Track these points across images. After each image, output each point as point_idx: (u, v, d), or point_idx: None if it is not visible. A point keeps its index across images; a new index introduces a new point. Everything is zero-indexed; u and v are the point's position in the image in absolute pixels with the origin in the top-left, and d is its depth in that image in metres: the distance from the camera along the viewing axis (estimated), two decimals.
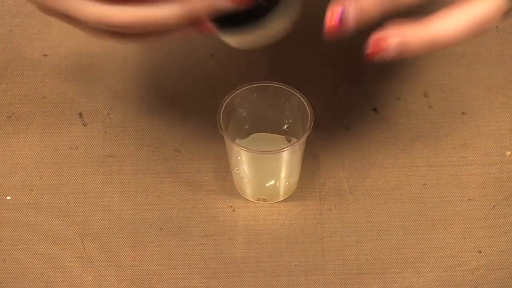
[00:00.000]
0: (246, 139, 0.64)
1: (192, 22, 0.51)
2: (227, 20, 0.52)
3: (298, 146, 0.60)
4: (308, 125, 0.59)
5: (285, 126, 0.64)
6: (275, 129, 0.65)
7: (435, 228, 0.64)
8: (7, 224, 0.64)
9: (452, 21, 0.50)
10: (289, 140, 0.64)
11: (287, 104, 0.62)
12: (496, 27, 0.73)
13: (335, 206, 0.65)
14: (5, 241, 0.63)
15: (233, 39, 0.54)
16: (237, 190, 0.65)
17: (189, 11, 0.49)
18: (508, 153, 0.67)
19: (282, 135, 0.65)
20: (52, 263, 0.62)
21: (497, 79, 0.71)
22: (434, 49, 0.50)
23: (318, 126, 0.59)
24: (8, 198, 0.65)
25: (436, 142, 0.68)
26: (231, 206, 0.65)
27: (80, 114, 0.69)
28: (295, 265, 0.62)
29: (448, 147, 0.68)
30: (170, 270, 0.62)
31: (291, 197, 0.65)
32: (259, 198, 0.65)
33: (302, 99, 0.60)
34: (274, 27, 0.53)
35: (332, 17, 0.49)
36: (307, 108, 0.60)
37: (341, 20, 0.49)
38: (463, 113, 0.69)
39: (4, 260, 0.62)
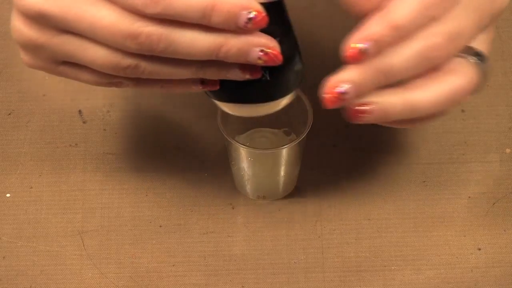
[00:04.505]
0: (245, 133, 0.64)
1: (204, 80, 0.50)
2: (227, 91, 0.51)
3: (297, 143, 0.60)
4: (308, 122, 0.59)
5: (285, 122, 0.64)
6: (275, 125, 0.65)
7: (435, 226, 0.64)
8: (6, 222, 0.64)
9: (431, 90, 0.49)
10: (288, 134, 0.64)
11: None
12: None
13: (334, 203, 0.65)
14: (4, 238, 0.63)
15: (230, 109, 0.53)
16: (236, 188, 0.66)
17: (203, 74, 0.49)
18: (507, 150, 0.67)
19: (282, 130, 0.65)
20: (51, 260, 0.62)
21: (497, 77, 0.71)
22: (411, 115, 0.49)
23: (317, 123, 0.59)
24: (8, 195, 0.65)
25: (436, 139, 0.68)
26: (231, 204, 0.65)
27: (80, 111, 0.69)
28: (294, 262, 0.62)
29: (447, 145, 0.68)
30: (169, 267, 0.62)
31: (290, 195, 0.65)
32: (259, 196, 0.65)
33: (301, 95, 0.60)
34: (277, 103, 0.52)
35: (330, 89, 0.48)
36: (307, 104, 0.60)
37: (340, 95, 0.48)
38: (462, 111, 0.69)
39: (4, 257, 0.62)
